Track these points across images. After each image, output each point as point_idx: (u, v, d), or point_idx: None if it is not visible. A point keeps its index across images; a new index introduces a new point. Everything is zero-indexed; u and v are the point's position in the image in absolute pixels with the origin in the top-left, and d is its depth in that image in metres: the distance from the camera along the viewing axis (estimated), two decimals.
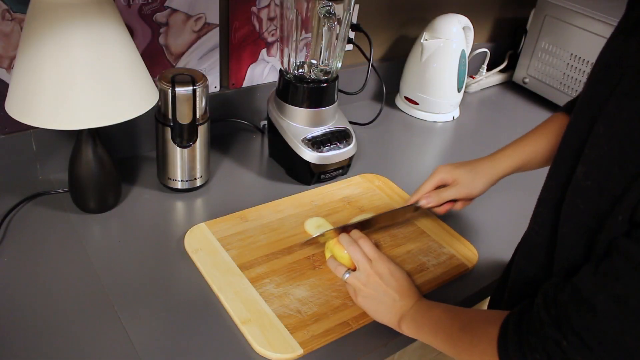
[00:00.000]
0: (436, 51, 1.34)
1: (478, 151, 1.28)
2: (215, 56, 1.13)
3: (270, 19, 1.17)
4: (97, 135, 0.89)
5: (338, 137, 1.07)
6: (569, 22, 1.44)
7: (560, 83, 1.50)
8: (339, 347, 0.76)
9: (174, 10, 1.03)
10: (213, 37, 1.11)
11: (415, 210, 0.92)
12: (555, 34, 1.49)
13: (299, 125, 1.06)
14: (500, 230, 1.01)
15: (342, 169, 1.11)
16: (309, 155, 1.04)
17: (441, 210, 0.92)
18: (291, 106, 1.06)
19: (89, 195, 0.92)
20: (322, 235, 0.86)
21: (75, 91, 0.75)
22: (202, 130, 0.96)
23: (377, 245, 0.84)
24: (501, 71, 1.66)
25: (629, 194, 0.48)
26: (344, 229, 0.86)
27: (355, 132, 1.11)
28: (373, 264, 0.77)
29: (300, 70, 1.08)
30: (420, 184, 0.93)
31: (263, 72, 1.22)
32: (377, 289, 0.76)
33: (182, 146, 0.96)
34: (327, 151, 1.05)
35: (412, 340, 0.79)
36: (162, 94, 0.91)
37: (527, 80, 1.60)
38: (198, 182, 1.02)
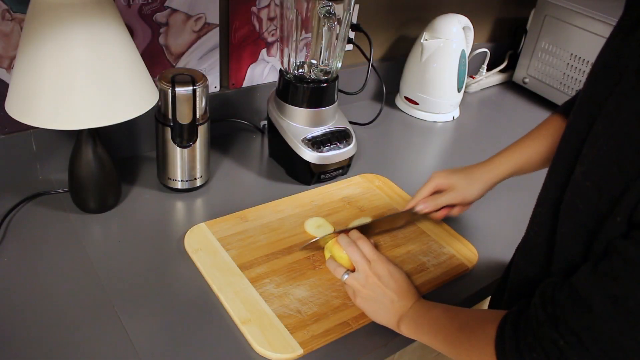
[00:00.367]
0: (436, 51, 1.34)
1: (478, 151, 1.29)
2: (215, 56, 1.13)
3: (270, 19, 1.17)
4: (97, 135, 0.89)
5: (338, 137, 1.07)
6: (569, 22, 1.45)
7: (560, 83, 1.50)
8: (339, 347, 0.76)
9: (174, 10, 1.03)
10: (213, 37, 1.11)
11: (412, 216, 0.93)
12: (555, 34, 1.49)
13: (299, 125, 1.06)
14: (501, 231, 1.01)
15: (342, 169, 1.11)
16: (309, 155, 1.04)
17: (438, 215, 0.93)
18: (291, 106, 1.06)
19: (89, 195, 0.92)
20: (317, 241, 0.87)
21: (75, 91, 0.75)
22: (202, 130, 0.96)
23: (376, 246, 0.84)
24: (501, 71, 1.66)
25: (628, 195, 0.48)
26: (343, 233, 0.86)
27: (355, 132, 1.11)
28: (372, 265, 0.77)
29: (300, 70, 1.09)
30: (420, 184, 0.94)
31: (263, 72, 1.22)
32: (375, 290, 0.76)
33: (182, 146, 0.96)
34: (327, 151, 1.05)
35: (412, 340, 0.79)
36: (162, 94, 0.92)
37: (527, 80, 1.60)
38: (198, 182, 1.02)
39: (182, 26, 1.06)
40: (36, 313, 0.75)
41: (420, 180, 0.94)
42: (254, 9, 1.13)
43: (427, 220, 0.99)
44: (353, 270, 0.79)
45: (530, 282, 0.67)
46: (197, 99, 0.93)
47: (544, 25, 1.51)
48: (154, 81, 0.89)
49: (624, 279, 0.48)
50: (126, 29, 0.81)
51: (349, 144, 1.08)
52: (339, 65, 1.08)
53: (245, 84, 1.21)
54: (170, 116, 0.93)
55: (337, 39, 1.04)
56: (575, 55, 1.45)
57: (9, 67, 0.92)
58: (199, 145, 0.97)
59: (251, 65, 1.20)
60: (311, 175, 1.07)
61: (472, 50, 1.48)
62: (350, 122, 1.15)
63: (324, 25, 1.00)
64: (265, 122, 1.19)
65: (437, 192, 0.91)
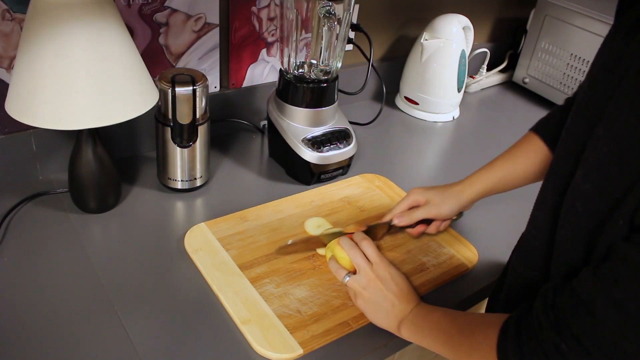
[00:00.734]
0: (436, 51, 1.34)
1: (478, 151, 1.29)
2: (215, 56, 1.13)
3: (270, 19, 1.17)
4: (97, 135, 0.89)
5: (338, 137, 1.07)
6: (569, 22, 1.45)
7: (560, 83, 1.51)
8: (339, 347, 0.76)
9: (174, 10, 1.03)
10: (213, 37, 1.11)
11: (389, 229, 0.93)
12: (555, 34, 1.49)
13: (299, 125, 1.06)
14: (501, 231, 1.01)
15: (342, 169, 1.11)
16: (309, 155, 1.04)
17: (414, 232, 0.93)
18: (291, 106, 1.06)
19: (89, 195, 0.92)
20: (293, 244, 0.88)
21: (75, 91, 0.75)
22: (202, 130, 0.96)
23: (378, 247, 0.84)
24: (501, 71, 1.66)
25: (629, 198, 0.48)
26: (308, 240, 0.88)
27: (355, 132, 1.11)
28: (374, 268, 0.77)
29: (300, 70, 1.08)
30: (420, 184, 0.94)
31: (263, 72, 1.22)
32: (376, 293, 0.76)
33: (182, 146, 0.96)
34: (327, 151, 1.05)
35: None
36: (162, 94, 0.91)
37: (527, 80, 1.60)
38: (198, 182, 1.02)
39: (182, 26, 1.06)
40: (36, 313, 0.75)
41: (420, 181, 0.95)
42: (254, 9, 1.13)
43: (404, 234, 0.97)
44: (354, 272, 0.79)
45: (526, 284, 0.67)
46: (197, 99, 0.93)
47: (544, 25, 1.51)
48: (154, 81, 0.89)
49: (626, 282, 0.48)
50: (126, 29, 0.81)
51: (349, 144, 1.08)
52: (339, 65, 1.08)
53: (245, 84, 1.21)
54: (170, 116, 0.93)
55: (337, 39, 1.04)
56: (575, 55, 1.45)
57: (9, 67, 0.92)
58: (199, 145, 0.97)
59: (251, 65, 1.20)
60: (311, 175, 1.07)
61: (472, 50, 1.48)
62: (350, 122, 1.15)
63: (324, 25, 1.00)
64: (265, 122, 1.19)
65: (414, 208, 0.92)
